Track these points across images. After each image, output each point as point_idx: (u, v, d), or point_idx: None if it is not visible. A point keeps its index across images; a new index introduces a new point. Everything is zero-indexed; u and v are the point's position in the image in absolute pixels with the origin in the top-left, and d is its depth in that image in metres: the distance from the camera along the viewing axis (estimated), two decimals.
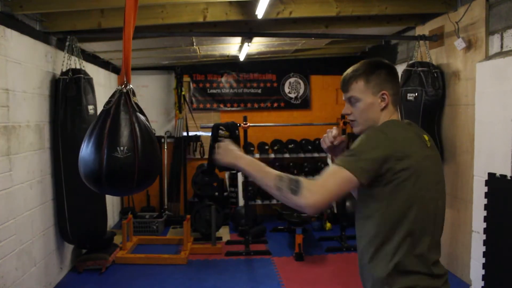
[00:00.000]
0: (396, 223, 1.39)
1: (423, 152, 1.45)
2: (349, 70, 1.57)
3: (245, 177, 5.35)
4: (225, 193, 6.21)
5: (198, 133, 6.51)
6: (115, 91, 2.06)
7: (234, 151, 1.54)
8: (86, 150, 1.93)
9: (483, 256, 3.23)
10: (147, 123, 2.09)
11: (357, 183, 1.36)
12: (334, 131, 1.64)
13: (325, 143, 1.64)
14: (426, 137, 1.51)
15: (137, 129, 1.96)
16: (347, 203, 5.64)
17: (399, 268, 1.38)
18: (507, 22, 3.21)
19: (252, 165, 1.49)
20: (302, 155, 6.46)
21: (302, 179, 1.36)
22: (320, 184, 1.35)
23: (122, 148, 1.87)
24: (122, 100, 2.02)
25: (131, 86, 2.10)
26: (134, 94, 2.12)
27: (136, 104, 2.09)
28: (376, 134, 1.43)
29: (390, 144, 1.39)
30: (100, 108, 4.13)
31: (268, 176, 1.42)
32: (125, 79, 2.09)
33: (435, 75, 3.97)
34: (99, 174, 1.88)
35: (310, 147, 6.45)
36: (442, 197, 1.51)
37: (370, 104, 1.52)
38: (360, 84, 1.52)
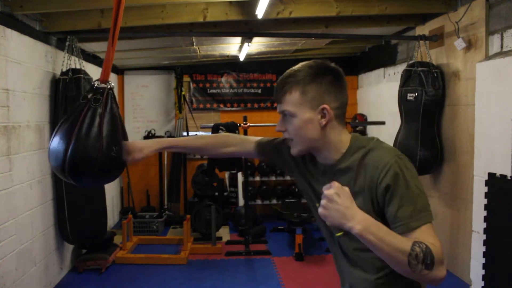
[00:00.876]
0: None
1: None
2: (285, 75, 1.30)
3: (245, 176, 5.36)
4: (225, 193, 6.22)
5: (198, 133, 6.51)
6: (104, 89, 1.95)
7: (349, 208, 1.11)
8: (90, 139, 1.85)
9: (483, 256, 3.23)
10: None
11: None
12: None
13: None
14: None
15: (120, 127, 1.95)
16: None
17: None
18: (507, 22, 3.21)
19: (373, 230, 1.10)
20: None
21: (431, 248, 1.10)
22: (442, 250, 1.13)
23: (116, 148, 1.91)
24: (110, 97, 1.91)
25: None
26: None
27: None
28: (412, 168, 1.21)
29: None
30: None
31: (397, 250, 1.09)
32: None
33: (435, 75, 3.97)
34: (94, 167, 1.87)
35: None
36: None
37: (308, 121, 1.24)
38: (295, 95, 1.25)
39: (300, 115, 1.25)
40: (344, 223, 1.10)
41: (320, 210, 1.14)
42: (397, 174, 1.17)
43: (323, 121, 1.25)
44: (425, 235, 1.13)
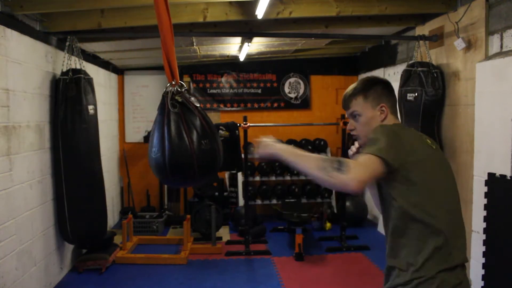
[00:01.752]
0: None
1: (428, 150, 1.57)
2: (348, 89, 1.71)
3: (245, 176, 5.36)
4: (225, 193, 6.22)
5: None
6: (183, 91, 2.25)
7: (275, 144, 1.62)
8: (176, 137, 2.12)
9: (483, 256, 3.23)
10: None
11: (384, 170, 1.43)
12: (353, 147, 1.74)
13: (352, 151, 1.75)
14: (429, 141, 1.62)
15: (207, 123, 2.27)
16: (347, 203, 5.64)
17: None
18: (507, 22, 3.21)
19: (290, 151, 1.56)
20: None
21: (343, 158, 1.42)
22: (361, 163, 1.41)
23: (205, 141, 2.13)
24: (185, 98, 2.24)
25: (180, 84, 2.25)
26: (185, 90, 2.25)
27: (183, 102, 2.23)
28: (387, 129, 1.54)
29: (400, 138, 1.51)
30: (100, 108, 4.16)
31: (309, 159, 1.47)
32: (172, 78, 2.24)
33: (435, 75, 3.97)
34: (192, 164, 2.12)
35: (310, 147, 6.45)
36: (454, 191, 1.60)
37: (371, 117, 1.65)
38: (360, 100, 1.66)
39: (365, 113, 1.65)
40: (272, 151, 1.58)
41: (256, 150, 1.64)
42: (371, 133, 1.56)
43: (382, 116, 1.65)
44: (363, 157, 1.44)
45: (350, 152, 1.73)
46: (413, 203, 1.46)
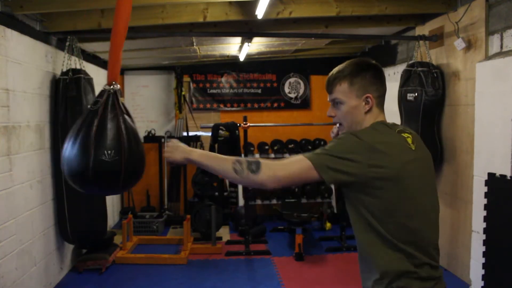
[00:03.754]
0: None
1: (406, 157, 1.41)
2: (334, 71, 1.55)
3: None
4: (225, 193, 6.21)
5: (198, 133, 6.51)
6: (103, 91, 2.00)
7: (184, 147, 1.59)
8: (71, 150, 1.90)
9: (483, 256, 3.23)
10: (133, 124, 2.05)
11: (318, 178, 1.38)
12: (335, 129, 1.63)
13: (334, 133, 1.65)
14: (409, 140, 1.45)
15: (124, 132, 1.94)
16: None
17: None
18: (507, 22, 3.22)
19: (205, 155, 1.54)
20: None
21: (262, 160, 1.41)
22: (281, 164, 1.41)
23: (109, 152, 1.87)
24: (110, 101, 1.97)
25: (118, 86, 2.04)
26: (121, 95, 2.07)
27: (123, 105, 2.05)
28: (351, 138, 1.40)
29: (365, 150, 1.36)
30: None
31: (225, 162, 1.46)
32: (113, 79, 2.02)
33: (435, 75, 3.98)
34: (85, 176, 1.88)
35: (310, 147, 6.45)
36: (432, 199, 1.49)
37: (354, 107, 1.49)
38: (344, 86, 1.50)
39: (348, 102, 1.50)
40: (186, 156, 1.55)
41: (165, 155, 1.61)
42: (337, 138, 1.46)
43: (367, 107, 1.49)
44: (294, 158, 1.42)
45: (332, 134, 1.64)
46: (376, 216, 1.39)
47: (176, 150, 1.58)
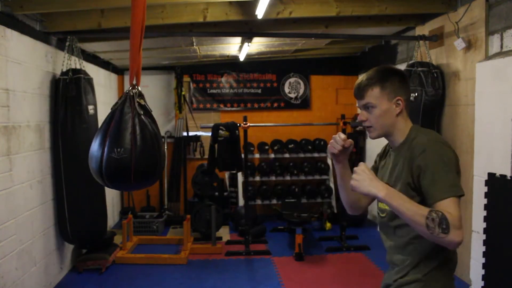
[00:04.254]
0: None
1: None
2: (364, 78, 1.61)
3: (245, 176, 5.36)
4: (225, 193, 6.22)
5: (198, 133, 6.51)
6: (123, 93, 2.19)
7: (373, 178, 1.46)
8: (92, 148, 2.10)
9: (483, 256, 3.23)
10: (151, 125, 2.17)
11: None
12: (341, 134, 1.63)
13: (335, 148, 1.62)
14: None
15: (138, 132, 2.07)
16: None
17: None
18: (507, 22, 3.22)
19: (396, 196, 1.42)
20: (302, 155, 6.46)
21: (447, 215, 1.35)
22: (455, 216, 1.37)
23: (119, 149, 1.98)
24: (127, 102, 2.15)
25: (138, 88, 2.21)
26: (141, 97, 2.23)
27: (143, 106, 2.19)
28: (445, 150, 1.48)
29: (456, 156, 1.50)
30: (100, 108, 4.16)
31: (418, 213, 1.37)
32: (134, 81, 2.23)
33: (435, 75, 3.98)
34: (100, 171, 2.05)
35: (310, 147, 6.45)
36: None
37: (386, 110, 1.57)
38: (376, 91, 1.57)
39: (380, 106, 1.57)
40: (371, 190, 1.43)
41: (351, 182, 1.48)
42: (428, 154, 1.46)
43: (398, 110, 1.57)
44: (446, 206, 1.38)
45: (338, 137, 1.62)
46: None
47: (365, 181, 1.45)
